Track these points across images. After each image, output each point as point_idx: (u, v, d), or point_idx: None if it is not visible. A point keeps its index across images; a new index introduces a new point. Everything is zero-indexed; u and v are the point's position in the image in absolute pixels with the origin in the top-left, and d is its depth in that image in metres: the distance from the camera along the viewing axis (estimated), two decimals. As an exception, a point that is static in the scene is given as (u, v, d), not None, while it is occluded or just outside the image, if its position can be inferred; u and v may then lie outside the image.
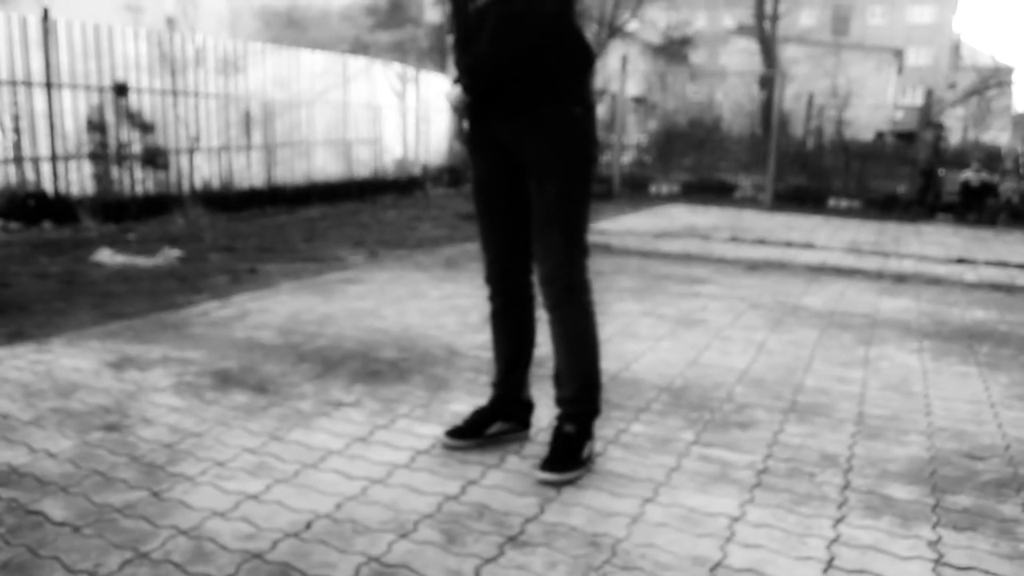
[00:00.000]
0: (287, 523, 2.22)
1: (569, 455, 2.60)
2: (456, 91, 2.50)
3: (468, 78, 2.47)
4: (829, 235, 9.90)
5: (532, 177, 2.56)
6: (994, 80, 29.90)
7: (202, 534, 2.14)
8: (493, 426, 2.84)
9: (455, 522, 2.26)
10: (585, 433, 2.66)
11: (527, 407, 2.91)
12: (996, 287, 6.62)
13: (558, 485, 2.52)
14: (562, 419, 2.69)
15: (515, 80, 2.47)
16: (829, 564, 2.11)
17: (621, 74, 15.21)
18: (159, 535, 2.13)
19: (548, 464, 2.57)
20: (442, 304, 5.07)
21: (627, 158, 17.71)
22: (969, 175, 13.66)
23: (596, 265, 6.71)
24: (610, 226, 9.91)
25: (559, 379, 2.70)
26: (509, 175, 2.64)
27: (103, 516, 2.22)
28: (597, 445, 2.84)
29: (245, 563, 2.01)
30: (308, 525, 2.21)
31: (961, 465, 2.82)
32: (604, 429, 3.01)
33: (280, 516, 2.26)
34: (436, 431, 2.93)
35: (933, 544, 2.24)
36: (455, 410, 3.15)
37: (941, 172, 14.18)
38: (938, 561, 2.15)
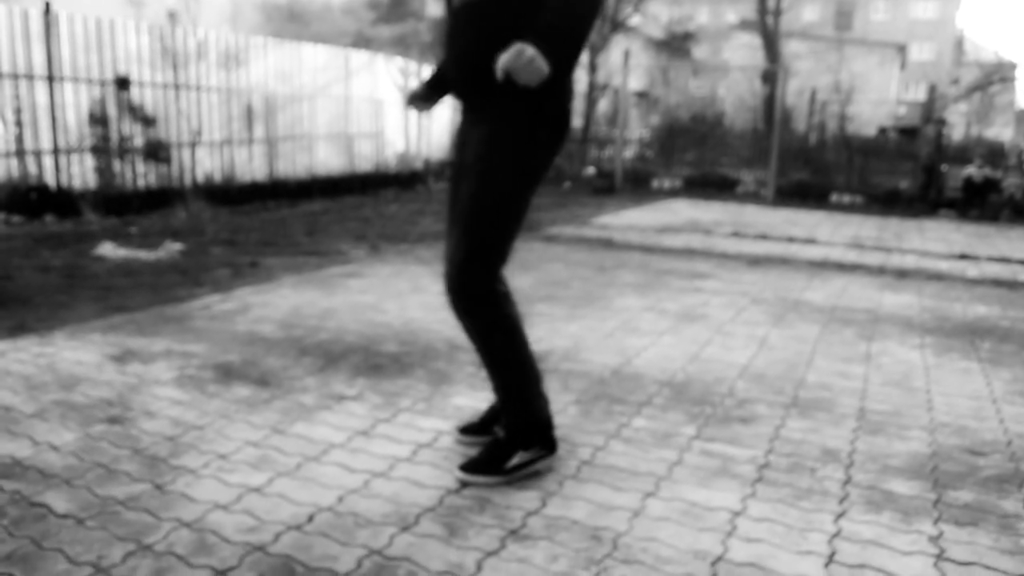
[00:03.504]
0: (289, 516, 2.23)
1: (490, 460, 2.51)
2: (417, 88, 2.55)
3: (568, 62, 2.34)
4: (831, 231, 9.89)
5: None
6: (997, 76, 29.85)
7: (204, 526, 2.15)
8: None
9: (457, 515, 2.27)
10: (514, 443, 2.53)
11: None
12: (998, 283, 6.61)
13: (466, 484, 2.47)
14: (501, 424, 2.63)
15: (470, 70, 2.39)
16: (830, 559, 2.11)
17: (623, 69, 15.19)
18: (162, 527, 2.13)
19: (468, 463, 2.52)
20: (443, 298, 5.06)
21: (629, 153, 17.70)
22: (972, 171, 13.65)
23: (598, 260, 6.72)
24: (612, 221, 9.91)
25: None
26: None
27: (106, 508, 2.23)
28: (599, 439, 2.85)
29: (247, 555, 2.02)
30: (310, 518, 2.22)
31: (962, 461, 2.82)
32: (605, 423, 3.02)
33: (282, 509, 2.26)
34: (438, 425, 2.94)
35: (934, 539, 2.24)
36: (457, 404, 3.16)
37: (944, 168, 14.17)
38: (939, 556, 2.15)
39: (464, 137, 2.55)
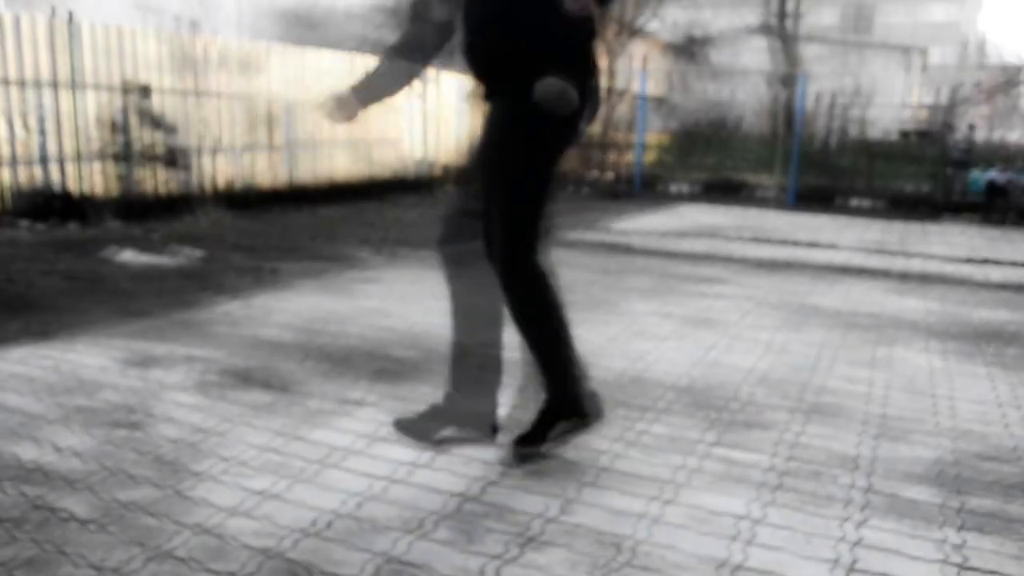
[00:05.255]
0: (306, 521, 2.24)
1: (535, 432, 2.71)
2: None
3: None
4: (848, 235, 9.83)
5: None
6: (1018, 78, 29.57)
7: (223, 532, 2.16)
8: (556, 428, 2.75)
9: (474, 522, 2.27)
10: (558, 413, 2.70)
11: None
12: (1020, 288, 6.55)
13: (525, 457, 2.68)
14: None
15: (497, 56, 2.53)
16: (848, 567, 2.10)
17: (641, 73, 15.17)
18: (181, 532, 2.15)
19: (519, 437, 2.72)
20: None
21: (647, 158, 17.66)
22: (993, 174, 13.51)
23: (613, 265, 6.71)
24: (628, 226, 9.89)
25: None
26: None
27: (125, 513, 2.25)
28: (617, 446, 2.85)
29: (265, 561, 2.03)
30: (328, 524, 2.23)
31: (981, 467, 2.79)
32: (623, 430, 3.01)
33: (299, 514, 2.28)
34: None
35: (954, 547, 2.22)
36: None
37: (948, 171, 14.08)
38: (959, 565, 2.13)
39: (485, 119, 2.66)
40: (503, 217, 2.54)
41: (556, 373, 2.68)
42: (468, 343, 2.79)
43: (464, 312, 2.80)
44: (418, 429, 2.81)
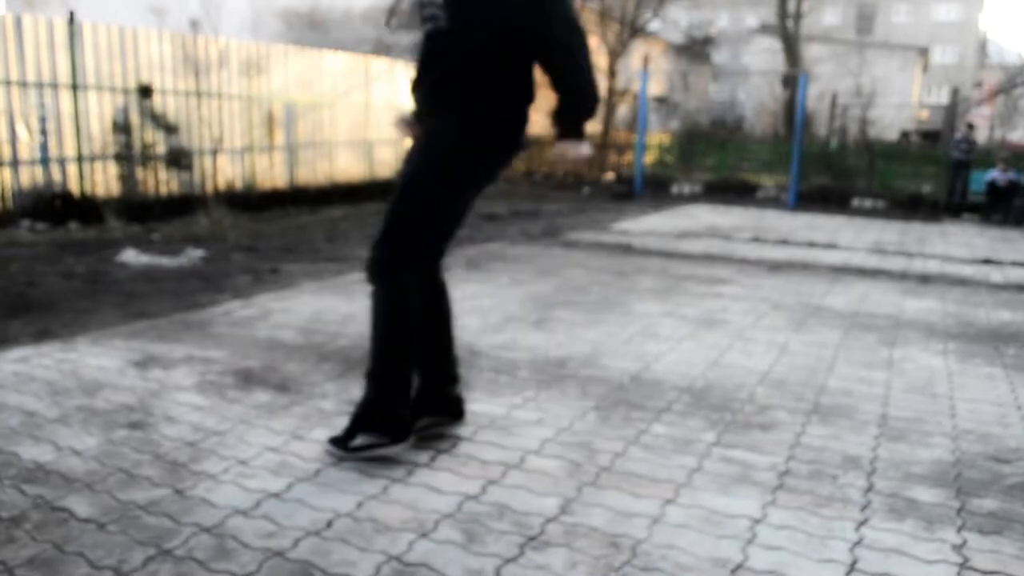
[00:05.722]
0: (309, 521, 2.23)
1: (349, 431, 2.71)
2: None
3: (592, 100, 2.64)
4: (852, 235, 9.82)
5: None
6: (1021, 78, 29.53)
7: (224, 532, 2.16)
8: (421, 420, 2.86)
9: (475, 522, 2.26)
10: (362, 423, 2.68)
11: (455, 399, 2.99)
12: (1022, 288, 6.54)
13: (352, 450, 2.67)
14: None
15: (441, 88, 2.66)
16: (852, 567, 2.09)
17: (642, 73, 15.17)
18: (182, 532, 2.15)
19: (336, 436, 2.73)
20: (463, 304, 5.07)
21: (649, 158, 17.65)
22: (995, 175, 13.50)
23: (617, 265, 6.71)
24: (631, 226, 9.89)
25: None
26: None
27: (127, 513, 2.24)
28: (618, 445, 2.84)
29: (267, 561, 2.02)
30: (329, 524, 2.22)
31: (986, 468, 2.79)
32: (625, 429, 3.01)
33: (302, 514, 2.27)
34: (457, 431, 2.94)
35: (958, 548, 2.21)
36: (475, 410, 3.15)
37: (949, 171, 14.13)
38: (963, 565, 2.12)
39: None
40: (392, 215, 2.64)
41: (376, 379, 2.69)
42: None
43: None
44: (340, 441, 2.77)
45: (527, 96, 2.69)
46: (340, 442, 2.68)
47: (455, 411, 2.99)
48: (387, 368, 2.68)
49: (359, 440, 2.66)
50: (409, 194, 2.64)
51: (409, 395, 2.76)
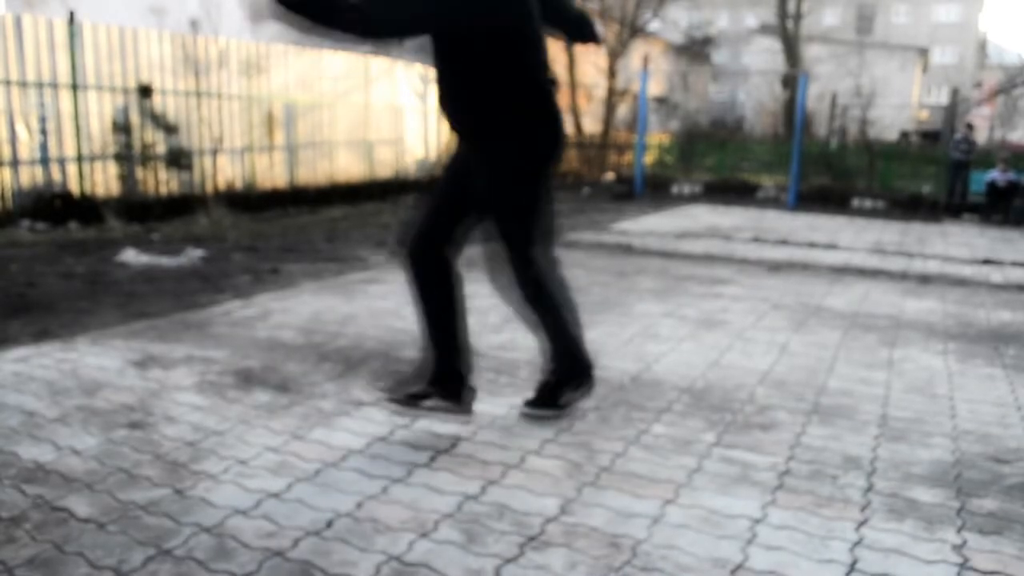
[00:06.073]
0: (308, 521, 2.23)
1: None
2: None
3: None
4: (852, 236, 9.82)
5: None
6: (1021, 79, 29.54)
7: (224, 531, 2.16)
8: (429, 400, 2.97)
9: (475, 522, 2.26)
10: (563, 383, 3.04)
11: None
12: (1022, 288, 6.54)
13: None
14: None
15: (463, 122, 2.85)
16: (852, 567, 2.09)
17: (642, 73, 15.17)
18: (182, 532, 2.15)
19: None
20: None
21: (649, 158, 17.65)
22: (995, 175, 13.49)
23: (617, 266, 6.71)
24: (631, 226, 9.89)
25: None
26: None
27: (127, 513, 2.24)
28: (618, 445, 2.84)
29: (267, 561, 2.02)
30: (329, 524, 2.22)
31: (986, 468, 2.79)
32: (625, 430, 3.01)
33: (302, 514, 2.27)
34: (457, 431, 2.94)
35: (958, 548, 2.21)
36: (475, 410, 3.15)
37: (949, 171, 14.16)
38: (963, 565, 2.12)
39: (466, 156, 2.92)
40: (505, 240, 2.87)
41: (560, 347, 2.98)
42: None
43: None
44: (401, 392, 2.96)
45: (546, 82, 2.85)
46: (548, 403, 3.03)
47: (464, 398, 2.98)
48: (563, 335, 2.97)
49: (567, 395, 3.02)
50: (508, 215, 2.85)
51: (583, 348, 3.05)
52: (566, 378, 3.02)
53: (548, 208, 2.94)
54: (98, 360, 3.67)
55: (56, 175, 9.02)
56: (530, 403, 3.04)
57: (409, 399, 2.91)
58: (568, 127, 20.24)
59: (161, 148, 10.15)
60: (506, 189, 2.82)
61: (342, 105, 13.08)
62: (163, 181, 10.23)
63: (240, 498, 2.36)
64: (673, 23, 29.84)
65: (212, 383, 3.40)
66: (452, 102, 2.80)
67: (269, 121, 11.72)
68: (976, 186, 14.25)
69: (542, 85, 2.81)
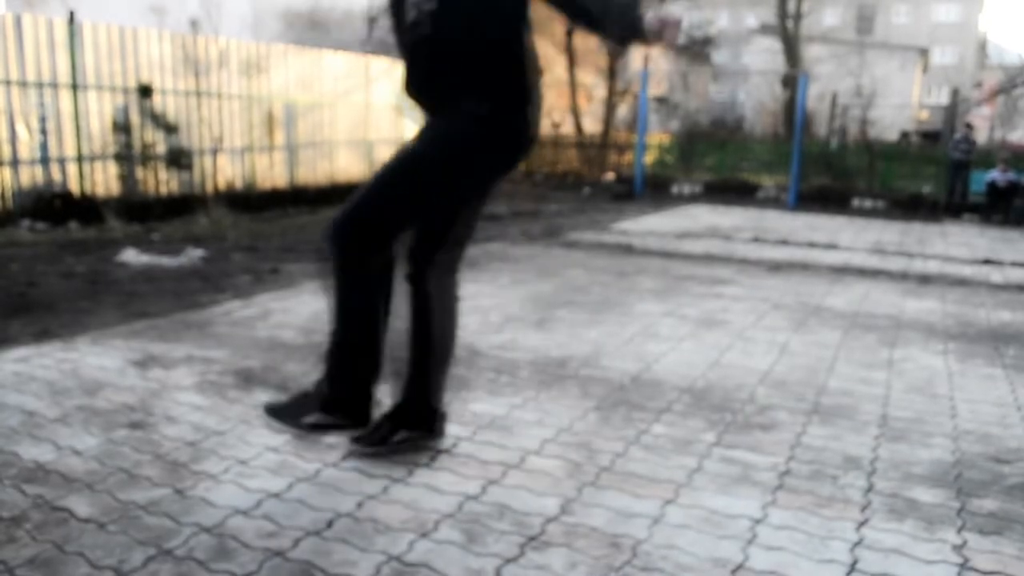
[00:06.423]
0: (309, 521, 2.23)
1: (293, 408, 2.64)
2: None
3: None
4: (853, 236, 9.82)
5: None
6: (1021, 79, 29.52)
7: (225, 531, 2.16)
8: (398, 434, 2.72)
9: (476, 522, 2.26)
10: (321, 404, 2.62)
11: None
12: (1023, 288, 6.53)
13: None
14: None
15: (432, 94, 2.51)
16: (852, 567, 2.09)
17: (642, 73, 15.17)
18: (182, 532, 2.14)
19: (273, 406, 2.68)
20: (463, 304, 5.06)
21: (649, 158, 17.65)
22: (995, 175, 13.49)
23: (618, 265, 6.71)
24: (632, 226, 9.89)
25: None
26: None
27: (127, 513, 2.24)
28: (618, 445, 2.84)
29: (267, 561, 2.02)
30: (329, 524, 2.22)
31: (987, 468, 2.79)
32: (625, 430, 3.01)
33: (302, 514, 2.27)
34: (457, 431, 2.94)
35: (958, 548, 2.21)
36: (475, 410, 3.16)
37: (949, 172, 14.15)
38: (963, 565, 2.12)
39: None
40: (362, 190, 2.54)
41: (334, 357, 2.63)
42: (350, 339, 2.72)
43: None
44: (288, 414, 2.65)
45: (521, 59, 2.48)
46: (287, 413, 2.61)
47: (433, 427, 2.79)
48: (344, 349, 2.65)
49: (312, 419, 2.58)
50: (393, 167, 2.50)
51: (366, 377, 2.69)
52: (328, 399, 2.62)
53: (475, 214, 2.66)
54: (99, 360, 3.67)
55: (56, 175, 9.03)
56: (358, 439, 2.68)
57: (377, 439, 2.67)
58: (568, 127, 20.30)
59: (161, 148, 10.15)
60: (438, 146, 2.47)
61: (342, 105, 13.08)
62: (163, 181, 10.23)
63: (240, 498, 2.36)
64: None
65: (212, 383, 3.40)
66: (456, 69, 2.44)
67: (269, 121, 11.72)
68: (976, 186, 14.25)
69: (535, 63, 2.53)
